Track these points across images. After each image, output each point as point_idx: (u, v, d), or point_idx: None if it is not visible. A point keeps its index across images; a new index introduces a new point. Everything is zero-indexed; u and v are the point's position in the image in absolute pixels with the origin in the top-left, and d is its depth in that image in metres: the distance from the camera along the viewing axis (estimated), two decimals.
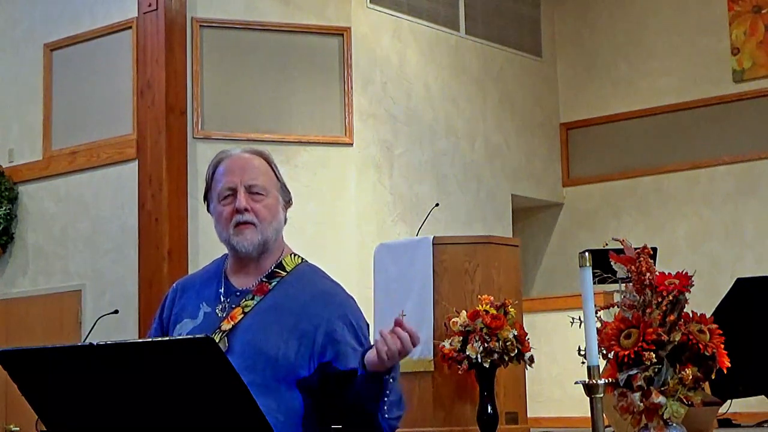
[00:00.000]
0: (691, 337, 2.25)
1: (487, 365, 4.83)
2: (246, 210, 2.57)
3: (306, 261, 2.71)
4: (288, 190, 2.69)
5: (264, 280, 2.60)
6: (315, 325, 2.51)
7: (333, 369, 2.48)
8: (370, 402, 2.42)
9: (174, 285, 2.78)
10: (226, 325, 2.53)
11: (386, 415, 2.44)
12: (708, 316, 2.31)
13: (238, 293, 2.60)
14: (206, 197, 2.69)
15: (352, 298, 2.64)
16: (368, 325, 2.64)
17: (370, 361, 2.37)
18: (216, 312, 2.58)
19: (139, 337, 7.26)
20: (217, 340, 2.48)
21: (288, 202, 2.69)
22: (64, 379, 1.99)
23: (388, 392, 2.42)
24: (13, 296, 8.60)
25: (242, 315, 2.54)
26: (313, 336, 2.50)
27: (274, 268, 2.62)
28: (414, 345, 2.36)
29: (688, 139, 9.71)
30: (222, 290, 2.62)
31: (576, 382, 2.25)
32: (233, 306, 2.57)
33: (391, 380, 2.41)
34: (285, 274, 2.62)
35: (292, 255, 2.68)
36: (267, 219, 2.59)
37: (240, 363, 2.40)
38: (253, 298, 2.57)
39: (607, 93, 10.22)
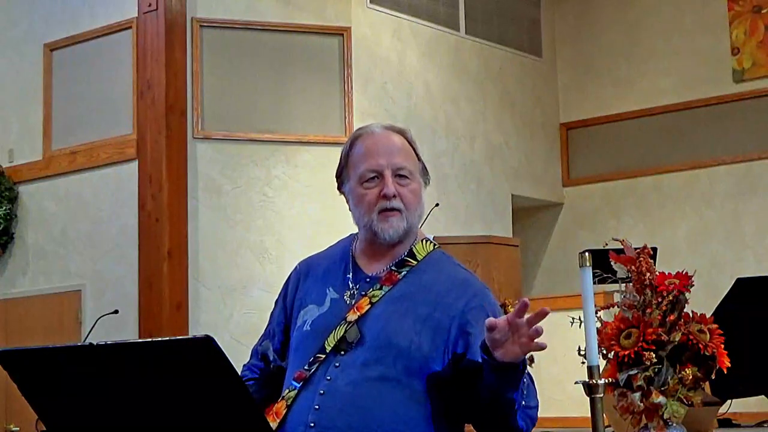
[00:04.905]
0: (691, 337, 2.25)
1: None
2: (394, 196, 2.39)
3: (439, 247, 2.51)
4: (427, 171, 2.50)
5: (393, 269, 2.42)
6: (450, 316, 2.34)
7: (466, 362, 2.30)
8: (505, 392, 2.22)
9: (297, 266, 2.58)
10: (352, 316, 2.36)
11: (523, 402, 2.27)
12: (708, 316, 2.31)
13: (368, 279, 2.42)
14: (339, 176, 2.51)
15: (488, 289, 2.48)
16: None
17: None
18: (344, 299, 2.41)
19: (140, 337, 7.25)
20: (343, 331, 2.35)
21: (426, 183, 2.49)
22: (63, 379, 1.99)
23: (524, 380, 2.25)
24: (13, 296, 8.59)
25: (369, 305, 2.37)
26: (448, 327, 2.33)
27: (405, 256, 2.44)
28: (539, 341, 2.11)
29: (688, 139, 9.71)
30: (351, 275, 2.45)
31: (576, 382, 2.24)
32: (362, 293, 2.39)
33: (520, 368, 2.20)
34: (415, 263, 2.43)
35: (425, 241, 2.49)
36: (413, 205, 2.42)
37: (371, 355, 2.31)
38: (380, 288, 2.39)
39: (607, 93, 10.21)
